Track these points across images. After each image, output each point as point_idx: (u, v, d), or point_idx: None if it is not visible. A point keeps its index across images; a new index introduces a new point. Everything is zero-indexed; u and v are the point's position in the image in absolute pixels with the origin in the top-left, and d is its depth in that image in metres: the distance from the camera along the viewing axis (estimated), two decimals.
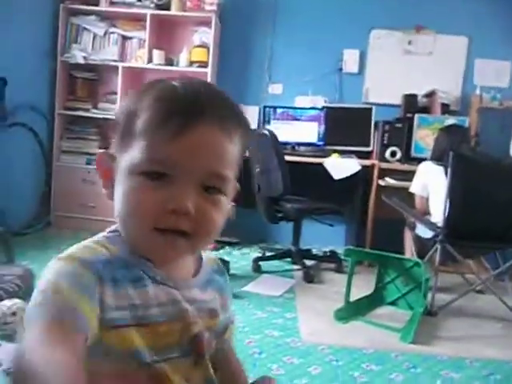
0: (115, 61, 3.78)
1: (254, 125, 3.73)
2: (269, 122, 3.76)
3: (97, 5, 3.74)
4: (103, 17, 3.81)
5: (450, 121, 3.44)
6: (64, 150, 3.86)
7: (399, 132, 3.54)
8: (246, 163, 2.78)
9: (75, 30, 3.82)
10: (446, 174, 2.63)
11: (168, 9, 3.73)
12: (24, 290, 2.32)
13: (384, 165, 3.45)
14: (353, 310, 2.50)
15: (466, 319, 2.61)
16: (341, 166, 3.42)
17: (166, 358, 0.56)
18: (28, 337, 0.46)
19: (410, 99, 3.74)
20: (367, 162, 3.50)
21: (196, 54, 3.74)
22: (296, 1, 3.94)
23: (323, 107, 3.80)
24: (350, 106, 3.83)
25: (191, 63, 3.75)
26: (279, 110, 3.81)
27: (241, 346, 1.98)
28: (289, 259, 3.36)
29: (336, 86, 3.96)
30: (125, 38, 3.83)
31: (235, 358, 0.71)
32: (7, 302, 1.98)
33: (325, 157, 3.53)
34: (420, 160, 3.17)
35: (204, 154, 0.53)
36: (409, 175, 3.11)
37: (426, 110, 3.73)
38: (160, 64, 3.75)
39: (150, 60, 3.75)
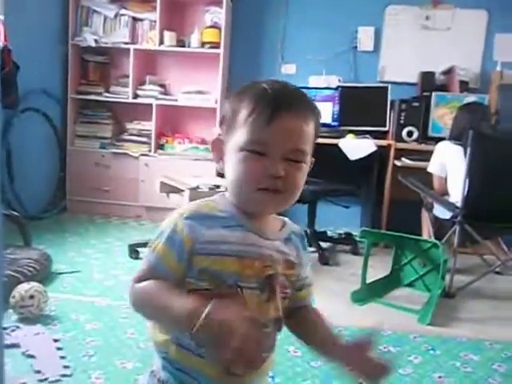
0: (126, 43, 3.74)
1: None
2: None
3: None
4: None
5: (470, 99, 3.35)
6: (78, 135, 3.87)
7: (416, 111, 3.46)
8: None
9: (85, 13, 3.79)
10: (465, 153, 2.56)
11: None
12: (41, 274, 2.35)
13: (400, 145, 3.38)
14: (369, 292, 2.48)
15: (485, 301, 2.57)
16: (356, 147, 3.36)
17: (246, 286, 0.74)
18: (139, 268, 0.76)
19: (428, 77, 3.64)
20: (383, 143, 3.43)
21: (208, 35, 3.68)
22: None
23: (338, 87, 3.73)
24: (365, 85, 3.75)
25: (203, 44, 3.70)
26: None
27: None
28: None
29: (351, 65, 3.87)
30: (135, 20, 3.78)
31: (317, 312, 0.89)
32: (25, 285, 2.01)
33: (340, 137, 3.47)
34: (438, 140, 3.10)
35: (287, 135, 0.73)
36: (426, 155, 3.05)
37: (443, 87, 3.63)
38: (171, 45, 3.70)
39: (161, 42, 3.71)
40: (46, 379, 1.57)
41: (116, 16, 3.77)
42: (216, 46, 3.66)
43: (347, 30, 3.82)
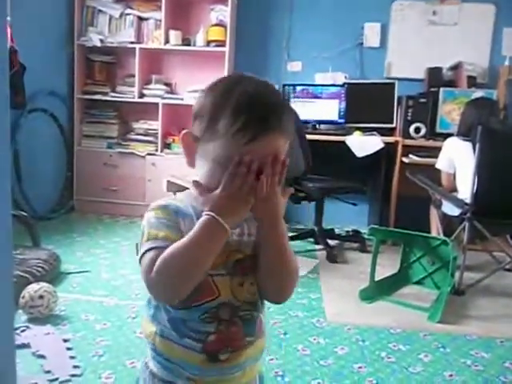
0: (132, 43, 3.74)
1: None
2: (288, 101, 3.69)
3: None
4: None
5: (478, 94, 3.32)
6: (85, 135, 3.88)
7: (423, 107, 3.43)
8: None
9: (91, 13, 3.79)
10: (474, 149, 2.54)
11: None
12: (50, 274, 2.36)
13: (408, 141, 3.36)
14: (378, 290, 2.47)
15: (495, 298, 2.55)
16: (363, 144, 3.35)
17: (216, 273, 0.75)
18: (143, 265, 0.73)
19: (435, 72, 3.61)
20: (390, 139, 3.41)
21: (213, 33, 3.67)
22: None
23: (344, 84, 3.71)
24: (371, 81, 3.73)
25: (208, 43, 3.69)
26: (299, 88, 3.74)
27: (266, 327, 1.97)
28: (311, 239, 3.33)
29: (357, 62, 3.85)
30: (141, 20, 3.78)
31: None
32: (35, 286, 2.02)
33: (347, 135, 3.45)
34: (445, 136, 3.07)
35: (268, 153, 0.72)
36: (434, 152, 3.02)
37: (451, 83, 3.61)
38: (177, 44, 3.70)
39: (166, 41, 3.71)
40: (56, 379, 1.58)
41: (121, 16, 3.77)
42: (221, 44, 3.65)
43: (353, 27, 3.80)
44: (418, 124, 3.41)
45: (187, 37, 3.75)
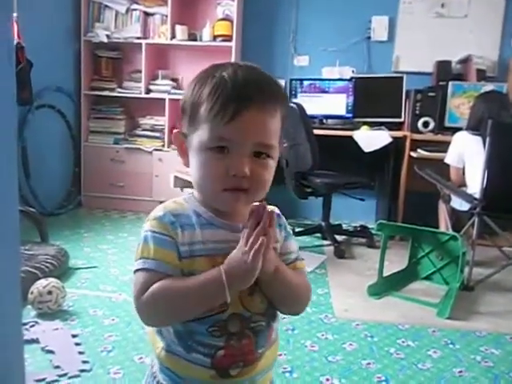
0: (138, 38, 3.74)
1: None
2: (296, 96, 3.67)
3: None
4: None
5: (487, 87, 3.28)
6: (91, 131, 3.88)
7: (432, 101, 3.40)
8: None
9: (97, 9, 3.79)
10: (484, 143, 2.51)
11: None
12: (59, 269, 2.37)
13: (416, 136, 3.33)
14: (386, 286, 2.46)
15: (505, 294, 2.52)
16: (371, 139, 3.32)
17: None
18: (135, 285, 0.71)
19: (444, 66, 3.57)
20: (399, 134, 3.38)
21: (219, 28, 3.65)
22: None
23: (351, 78, 3.68)
24: (379, 75, 3.70)
25: (215, 37, 3.68)
26: (306, 83, 3.71)
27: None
28: (319, 235, 3.32)
29: (364, 56, 3.82)
30: (147, 15, 3.77)
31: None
32: (43, 281, 2.02)
33: (354, 129, 3.43)
34: (454, 130, 3.04)
35: (252, 131, 0.70)
36: (443, 146, 2.99)
37: (460, 76, 3.57)
38: (183, 39, 3.68)
39: (173, 36, 3.70)
40: (65, 374, 1.58)
41: (127, 11, 3.77)
42: (228, 39, 3.63)
43: (360, 20, 3.76)
44: (426, 118, 3.38)
45: (193, 32, 3.74)
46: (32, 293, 1.98)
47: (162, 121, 3.81)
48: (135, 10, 3.76)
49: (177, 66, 3.98)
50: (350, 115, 3.66)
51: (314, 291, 2.41)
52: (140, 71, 3.78)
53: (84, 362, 1.66)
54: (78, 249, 2.84)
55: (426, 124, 3.38)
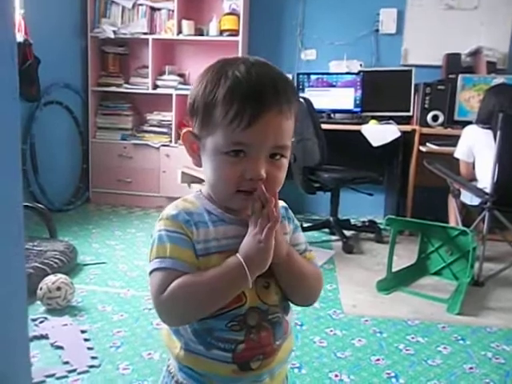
0: (145, 33, 3.73)
1: None
2: (303, 90, 3.65)
3: None
4: None
5: (498, 80, 3.23)
6: (99, 127, 3.89)
7: (441, 94, 3.35)
8: None
9: (104, 4, 3.78)
10: (495, 137, 2.47)
11: None
12: (67, 265, 2.38)
13: (425, 130, 3.29)
14: (395, 281, 2.44)
15: None
16: (379, 133, 3.29)
17: None
18: (154, 284, 0.72)
19: (453, 59, 3.52)
20: (407, 128, 3.35)
21: (226, 22, 3.63)
22: None
23: (359, 72, 3.64)
24: (387, 69, 3.65)
25: (221, 32, 3.66)
26: (313, 77, 3.68)
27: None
28: (327, 230, 3.30)
29: (372, 49, 3.78)
30: (153, 10, 3.76)
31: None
32: (52, 277, 2.03)
33: (362, 124, 3.40)
34: (464, 124, 3.00)
35: (269, 135, 0.69)
36: (452, 140, 2.96)
37: (470, 69, 3.51)
38: (190, 34, 3.67)
39: (179, 31, 3.68)
40: (74, 370, 1.59)
41: (134, 6, 3.76)
42: (235, 33, 3.61)
43: (368, 13, 3.72)
44: (435, 112, 3.34)
45: (200, 26, 3.72)
46: (41, 289, 1.99)
47: (169, 116, 3.80)
48: (141, 5, 3.75)
49: (183, 61, 3.97)
50: (358, 109, 3.63)
51: (323, 286, 2.40)
52: (147, 67, 3.77)
53: (93, 357, 1.67)
54: (86, 245, 2.85)
55: (435, 118, 3.34)
